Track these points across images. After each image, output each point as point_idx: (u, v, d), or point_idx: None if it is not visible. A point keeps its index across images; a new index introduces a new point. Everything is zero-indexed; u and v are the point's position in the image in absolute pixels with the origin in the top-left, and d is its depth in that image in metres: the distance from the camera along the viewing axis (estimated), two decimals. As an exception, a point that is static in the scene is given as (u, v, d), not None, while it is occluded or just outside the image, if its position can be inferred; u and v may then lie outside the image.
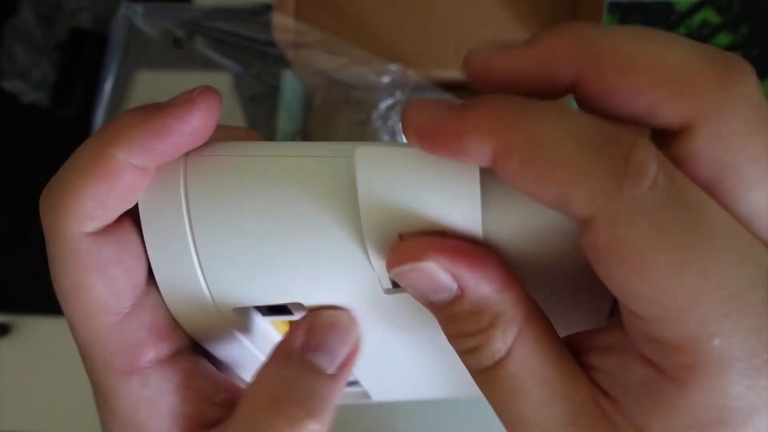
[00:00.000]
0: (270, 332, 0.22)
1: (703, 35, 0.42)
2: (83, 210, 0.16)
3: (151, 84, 0.47)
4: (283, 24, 0.40)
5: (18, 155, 0.48)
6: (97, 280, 0.17)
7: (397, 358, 0.22)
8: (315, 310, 0.19)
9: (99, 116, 0.46)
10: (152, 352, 0.18)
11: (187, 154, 0.18)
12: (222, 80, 0.46)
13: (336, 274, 0.18)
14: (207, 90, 0.17)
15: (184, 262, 0.18)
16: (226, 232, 0.17)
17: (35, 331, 0.47)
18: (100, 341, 0.17)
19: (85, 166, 0.16)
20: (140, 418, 0.18)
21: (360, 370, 0.23)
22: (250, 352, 0.21)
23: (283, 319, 0.21)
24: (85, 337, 0.17)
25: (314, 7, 0.41)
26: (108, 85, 0.46)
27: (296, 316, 0.20)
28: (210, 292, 0.18)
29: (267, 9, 0.43)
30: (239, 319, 0.20)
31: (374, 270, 0.17)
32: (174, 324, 0.19)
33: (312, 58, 0.40)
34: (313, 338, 0.19)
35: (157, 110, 0.16)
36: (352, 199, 0.16)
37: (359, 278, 0.18)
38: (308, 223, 0.17)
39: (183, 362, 0.19)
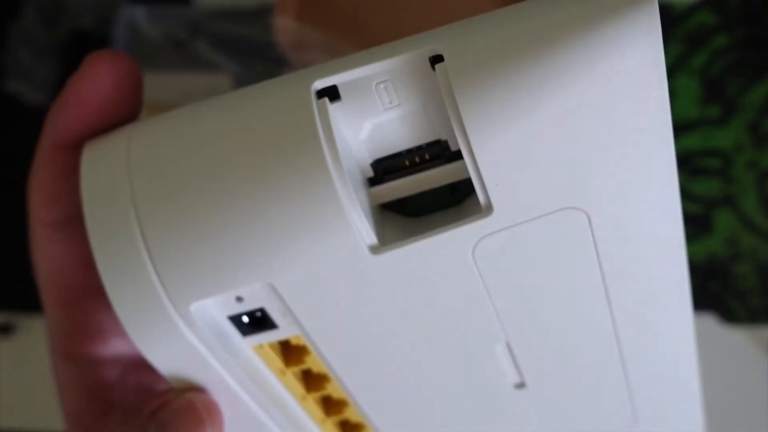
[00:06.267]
0: (256, 364, 0.17)
1: (700, 37, 0.42)
2: (36, 201, 0.18)
3: (153, 85, 0.47)
4: (285, 25, 0.40)
5: (20, 155, 0.49)
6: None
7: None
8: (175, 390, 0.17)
9: (101, 117, 0.46)
10: None
11: (137, 122, 0.17)
12: (223, 81, 0.46)
13: (312, 231, 0.15)
14: (94, 57, 0.17)
15: (125, 236, 0.15)
16: (172, 197, 0.15)
17: (39, 329, 0.47)
18: None
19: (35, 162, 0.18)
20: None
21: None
22: (230, 387, 0.17)
23: (268, 339, 0.17)
24: None
25: (315, 8, 0.41)
26: (110, 86, 0.46)
27: (283, 332, 0.17)
28: (159, 278, 0.15)
29: (268, 11, 0.43)
30: (209, 334, 0.16)
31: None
32: None
33: (313, 59, 0.41)
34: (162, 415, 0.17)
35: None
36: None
37: (342, 236, 0.15)
38: (271, 167, 0.15)
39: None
